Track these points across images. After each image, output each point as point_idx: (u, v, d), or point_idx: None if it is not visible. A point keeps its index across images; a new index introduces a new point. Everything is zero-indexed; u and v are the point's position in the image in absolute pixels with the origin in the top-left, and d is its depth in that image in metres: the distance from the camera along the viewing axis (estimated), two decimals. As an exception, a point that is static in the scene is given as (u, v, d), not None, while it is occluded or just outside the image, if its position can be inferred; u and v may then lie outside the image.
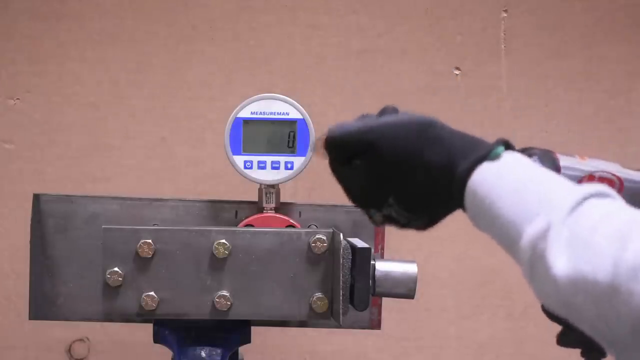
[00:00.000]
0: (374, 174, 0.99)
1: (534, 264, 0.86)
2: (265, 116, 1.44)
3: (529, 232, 0.86)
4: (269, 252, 1.29)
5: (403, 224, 1.02)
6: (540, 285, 0.86)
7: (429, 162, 0.96)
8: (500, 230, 0.91)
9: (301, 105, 1.45)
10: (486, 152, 0.95)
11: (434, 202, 0.99)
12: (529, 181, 0.91)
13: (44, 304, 1.45)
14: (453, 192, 0.96)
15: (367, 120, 1.01)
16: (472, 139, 0.99)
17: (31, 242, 1.44)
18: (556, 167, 1.08)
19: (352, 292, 1.28)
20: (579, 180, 1.08)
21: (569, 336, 1.13)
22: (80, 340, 2.08)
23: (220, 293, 1.28)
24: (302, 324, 1.48)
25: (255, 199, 1.47)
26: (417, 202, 0.99)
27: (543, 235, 0.84)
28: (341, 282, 1.26)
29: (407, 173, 0.97)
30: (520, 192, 0.89)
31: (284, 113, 1.44)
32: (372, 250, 1.29)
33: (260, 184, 1.45)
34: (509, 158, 0.94)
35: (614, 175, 1.09)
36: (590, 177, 1.08)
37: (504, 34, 2.14)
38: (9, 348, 2.07)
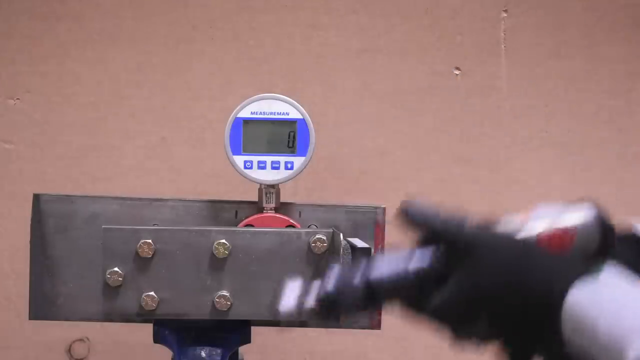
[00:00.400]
0: (472, 286, 0.93)
1: None
2: (265, 116, 1.44)
3: (631, 356, 0.82)
4: (269, 252, 1.29)
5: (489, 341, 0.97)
6: None
7: (528, 284, 0.91)
8: (601, 352, 0.86)
9: (301, 105, 1.45)
10: (585, 272, 0.91)
11: (527, 322, 0.93)
12: (628, 300, 0.88)
13: (44, 304, 1.45)
14: (549, 313, 0.91)
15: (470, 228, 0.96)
16: (564, 259, 0.96)
17: (31, 242, 1.44)
18: None
19: (352, 292, 1.28)
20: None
21: None
22: (80, 340, 2.08)
23: (220, 293, 1.28)
24: (302, 324, 1.48)
25: (255, 199, 1.47)
26: (510, 321, 0.94)
27: None
28: (341, 282, 1.26)
29: (505, 291, 0.92)
30: (620, 312, 0.86)
31: (284, 113, 1.44)
32: (372, 250, 1.29)
33: (260, 184, 1.45)
34: (604, 274, 0.91)
35: (563, 231, 1.02)
36: (539, 239, 1.02)
37: (504, 34, 2.13)
38: (9, 348, 2.07)
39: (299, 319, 1.01)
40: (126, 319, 1.37)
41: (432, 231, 0.95)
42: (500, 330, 0.95)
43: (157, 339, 1.39)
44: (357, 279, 0.93)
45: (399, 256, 0.95)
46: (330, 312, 0.96)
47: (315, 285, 0.95)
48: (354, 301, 0.94)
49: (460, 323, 0.95)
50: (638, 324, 0.84)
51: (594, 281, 0.90)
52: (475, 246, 0.93)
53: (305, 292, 0.97)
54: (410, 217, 0.96)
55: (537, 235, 1.00)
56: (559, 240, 1.00)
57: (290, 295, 0.97)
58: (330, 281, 0.95)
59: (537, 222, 1.01)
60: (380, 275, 0.94)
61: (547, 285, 0.91)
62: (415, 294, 0.94)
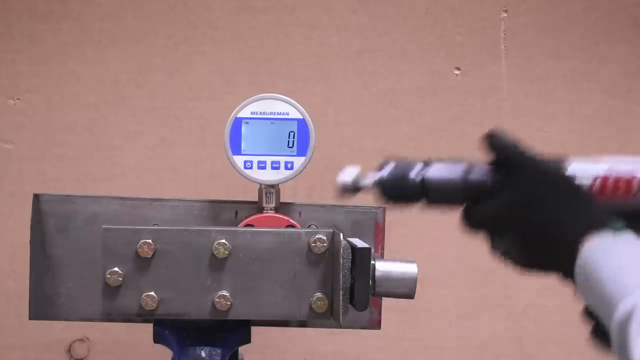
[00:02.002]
0: (509, 205, 1.05)
1: (621, 343, 0.89)
2: (265, 116, 1.44)
3: (620, 310, 0.89)
4: (269, 252, 1.29)
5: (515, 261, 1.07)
6: None
7: (555, 219, 1.02)
8: (601, 304, 0.94)
9: (301, 105, 1.45)
10: (603, 225, 1.00)
11: (544, 254, 1.04)
12: (632, 260, 0.94)
13: (44, 304, 1.45)
14: (565, 255, 1.00)
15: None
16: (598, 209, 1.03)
17: (31, 242, 1.44)
18: None
19: (352, 292, 1.28)
20: (592, 183, 1.07)
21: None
22: (80, 340, 2.08)
23: (220, 293, 1.28)
24: (302, 324, 1.48)
25: (255, 199, 1.47)
26: (529, 247, 1.04)
27: (629, 316, 0.88)
28: (341, 282, 1.27)
29: (532, 219, 1.03)
30: (622, 270, 0.93)
31: (284, 113, 1.44)
32: (372, 250, 1.29)
33: (260, 184, 1.45)
34: (623, 234, 0.99)
35: (632, 176, 1.07)
36: (604, 179, 1.07)
37: (504, 34, 2.14)
38: (9, 348, 2.07)
39: (352, 195, 1.15)
40: (126, 319, 1.37)
41: (504, 153, 1.06)
42: (520, 252, 1.04)
43: (157, 339, 1.39)
44: (414, 174, 1.09)
45: (456, 167, 1.09)
46: (383, 195, 1.11)
47: (373, 172, 1.11)
48: (405, 191, 1.09)
49: (493, 234, 1.06)
50: (631, 286, 0.90)
51: (611, 238, 0.97)
52: (527, 169, 1.04)
53: (362, 174, 1.13)
54: (492, 140, 1.08)
55: (603, 176, 1.07)
56: (624, 186, 1.07)
57: (349, 174, 1.13)
58: (388, 169, 1.11)
59: (610, 161, 1.08)
60: (436, 176, 1.09)
61: (571, 227, 1.00)
62: (463, 201, 1.08)
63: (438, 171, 1.09)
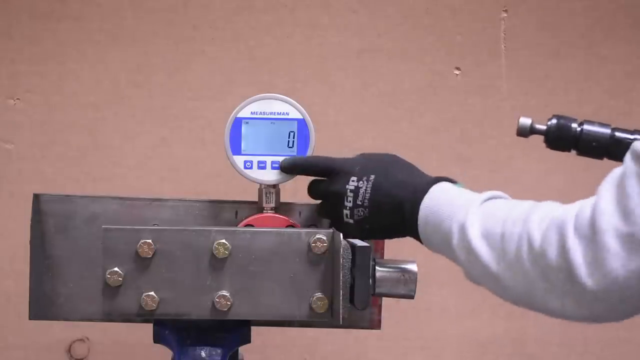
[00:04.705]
0: None
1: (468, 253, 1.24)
2: (265, 116, 1.44)
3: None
4: (269, 252, 1.29)
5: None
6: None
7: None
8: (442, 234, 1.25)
9: (301, 105, 1.45)
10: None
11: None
12: (465, 194, 1.26)
13: (44, 304, 1.45)
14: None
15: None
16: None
17: (31, 242, 1.44)
18: None
19: (352, 292, 1.28)
20: None
21: None
22: (80, 340, 2.08)
23: (220, 293, 1.28)
24: (302, 324, 1.48)
25: (255, 199, 1.47)
26: None
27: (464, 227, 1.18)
28: (341, 281, 1.27)
29: None
30: (456, 200, 1.23)
31: (284, 113, 1.44)
32: (372, 250, 1.29)
33: (260, 184, 1.45)
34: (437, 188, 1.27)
35: None
36: None
37: (504, 34, 2.14)
38: (9, 348, 2.07)
39: (525, 137, 1.40)
40: (126, 319, 1.37)
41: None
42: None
43: (157, 339, 1.39)
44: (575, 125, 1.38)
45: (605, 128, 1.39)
46: (547, 141, 1.41)
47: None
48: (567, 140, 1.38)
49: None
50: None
51: (451, 185, 1.31)
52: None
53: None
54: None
55: None
56: None
57: (527, 119, 1.43)
58: (554, 121, 1.42)
59: None
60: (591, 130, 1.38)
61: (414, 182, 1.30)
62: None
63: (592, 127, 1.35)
